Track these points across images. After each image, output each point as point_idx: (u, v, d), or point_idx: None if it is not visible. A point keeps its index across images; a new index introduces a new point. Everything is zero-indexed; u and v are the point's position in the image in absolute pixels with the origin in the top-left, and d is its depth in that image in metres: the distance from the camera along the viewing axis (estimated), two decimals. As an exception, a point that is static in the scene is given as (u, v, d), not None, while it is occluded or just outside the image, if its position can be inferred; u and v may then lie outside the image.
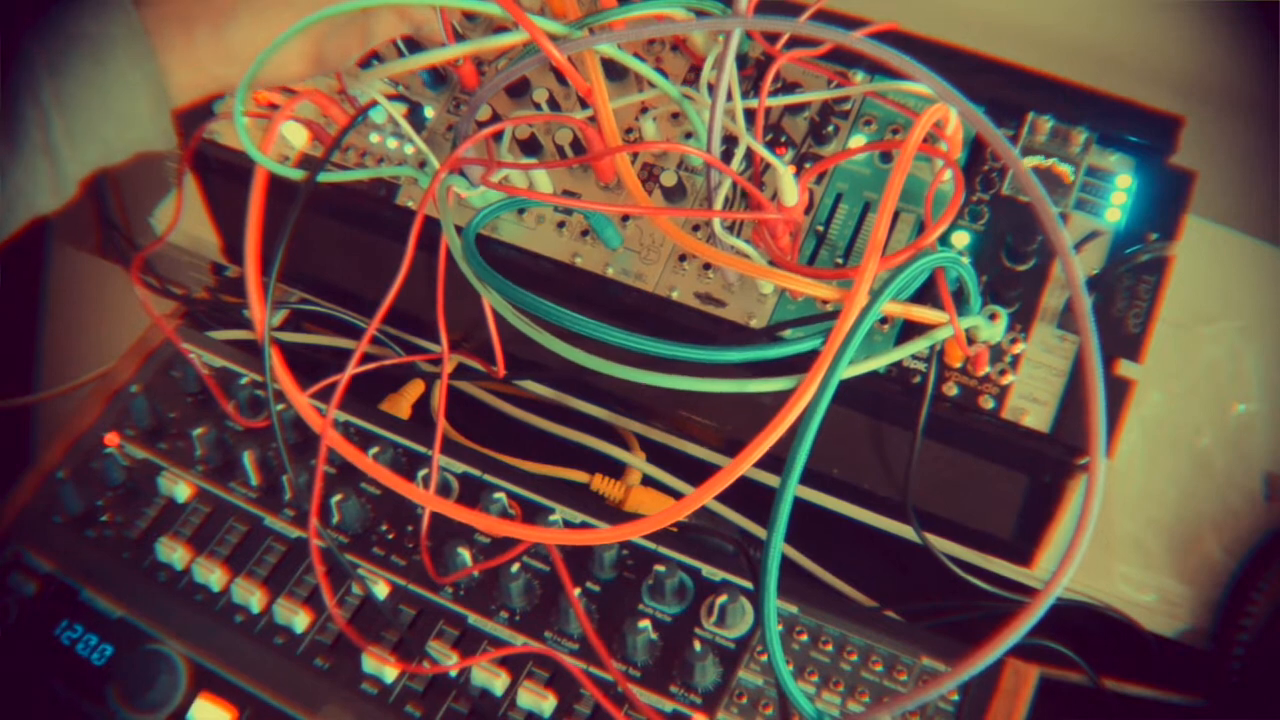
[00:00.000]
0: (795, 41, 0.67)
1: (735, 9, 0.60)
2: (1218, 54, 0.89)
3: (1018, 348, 0.66)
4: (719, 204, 0.66)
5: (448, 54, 0.67)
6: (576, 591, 0.70)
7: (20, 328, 1.14)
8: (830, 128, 0.72)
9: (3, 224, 0.55)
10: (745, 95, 0.72)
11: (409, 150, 0.77)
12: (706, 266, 0.71)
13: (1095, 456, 0.51)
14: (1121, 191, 0.69)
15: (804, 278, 0.60)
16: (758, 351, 0.59)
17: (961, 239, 0.69)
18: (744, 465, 0.53)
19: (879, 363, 0.61)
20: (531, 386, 0.86)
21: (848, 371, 0.56)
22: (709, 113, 0.62)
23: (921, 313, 0.60)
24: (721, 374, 0.57)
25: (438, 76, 0.78)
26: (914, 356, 0.66)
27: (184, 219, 0.77)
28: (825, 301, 0.66)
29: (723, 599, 0.68)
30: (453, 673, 0.69)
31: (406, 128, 0.69)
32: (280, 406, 0.68)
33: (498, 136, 0.71)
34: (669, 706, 0.67)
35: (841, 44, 0.56)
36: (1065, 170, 0.70)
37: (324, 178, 0.69)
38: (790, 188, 0.64)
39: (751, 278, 0.68)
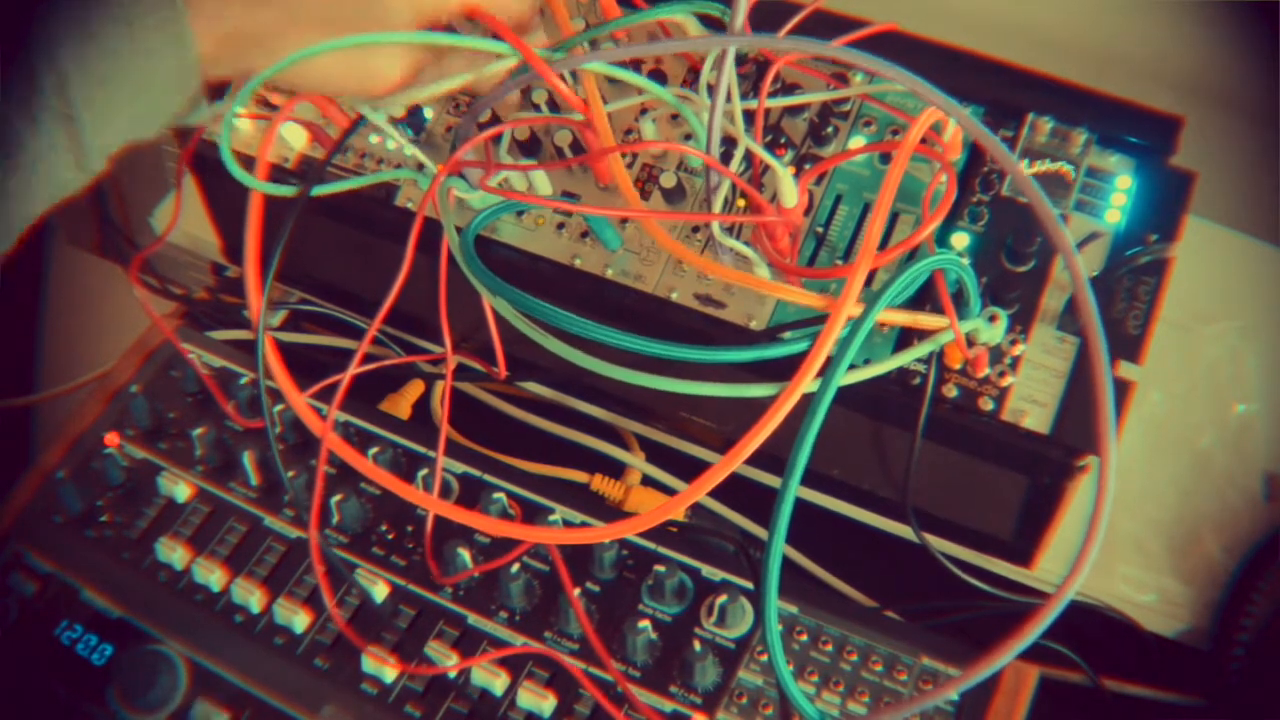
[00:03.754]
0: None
1: (730, 28, 0.60)
2: (1218, 54, 0.89)
3: (1017, 349, 0.66)
4: (718, 205, 0.66)
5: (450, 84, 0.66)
6: (576, 592, 0.70)
7: (20, 328, 1.14)
8: (830, 129, 0.72)
9: (29, 199, 0.51)
10: (744, 96, 0.72)
11: (408, 152, 0.77)
12: (706, 267, 0.71)
13: (1106, 457, 0.51)
14: (1121, 192, 0.69)
15: (795, 287, 0.59)
16: (757, 352, 0.59)
17: (961, 240, 0.69)
18: (735, 462, 0.52)
19: (880, 369, 0.61)
20: (532, 387, 0.86)
21: (849, 377, 0.56)
22: (708, 114, 0.62)
23: (920, 320, 0.60)
24: (721, 376, 0.57)
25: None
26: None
27: (184, 219, 0.77)
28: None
29: (723, 599, 0.68)
30: (452, 673, 0.69)
31: (394, 133, 0.68)
32: (280, 406, 0.67)
33: (497, 138, 0.71)
34: (669, 706, 0.67)
35: (836, 58, 0.55)
36: (1066, 170, 0.70)
37: (319, 191, 0.67)
38: (789, 189, 0.63)
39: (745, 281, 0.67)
